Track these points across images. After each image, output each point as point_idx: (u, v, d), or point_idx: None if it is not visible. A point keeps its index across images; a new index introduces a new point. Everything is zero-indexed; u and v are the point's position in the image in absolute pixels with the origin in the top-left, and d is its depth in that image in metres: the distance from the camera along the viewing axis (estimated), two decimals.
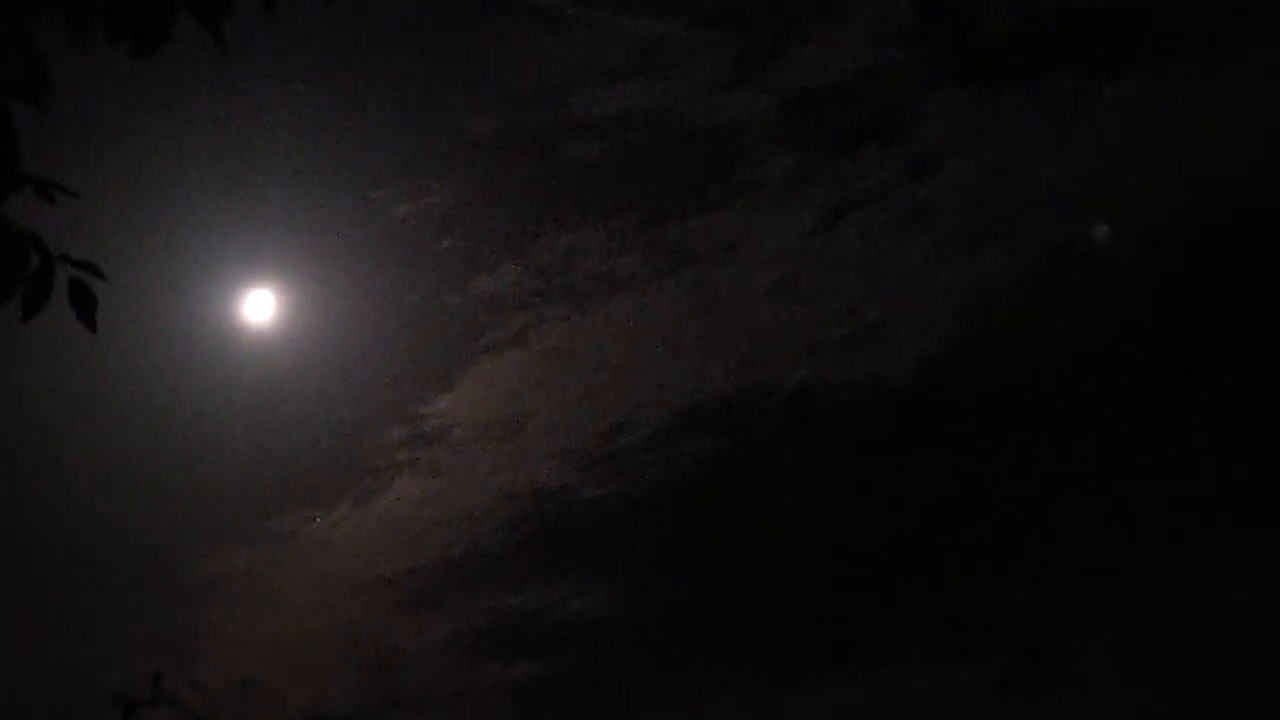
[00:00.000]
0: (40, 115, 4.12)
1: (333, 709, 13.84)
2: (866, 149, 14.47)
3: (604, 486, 14.66)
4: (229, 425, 14.08)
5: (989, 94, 14.32)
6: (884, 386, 14.58)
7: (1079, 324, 14.45)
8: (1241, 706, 13.01)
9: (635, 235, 14.71)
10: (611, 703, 14.20)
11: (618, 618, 14.49)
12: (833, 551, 14.56)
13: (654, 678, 14.33)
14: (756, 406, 14.70)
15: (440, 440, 14.60)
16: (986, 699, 13.88)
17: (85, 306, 4.26)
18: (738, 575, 14.66)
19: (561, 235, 14.71)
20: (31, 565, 13.70)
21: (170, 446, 14.05)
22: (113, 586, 13.73)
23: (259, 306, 13.91)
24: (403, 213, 14.45)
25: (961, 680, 13.93)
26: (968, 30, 14.40)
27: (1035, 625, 14.08)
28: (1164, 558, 13.90)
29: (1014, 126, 14.41)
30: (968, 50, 14.43)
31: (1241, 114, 14.11)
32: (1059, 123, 14.41)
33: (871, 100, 14.43)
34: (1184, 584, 13.77)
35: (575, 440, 14.77)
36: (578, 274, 14.77)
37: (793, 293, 14.90)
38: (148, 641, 13.46)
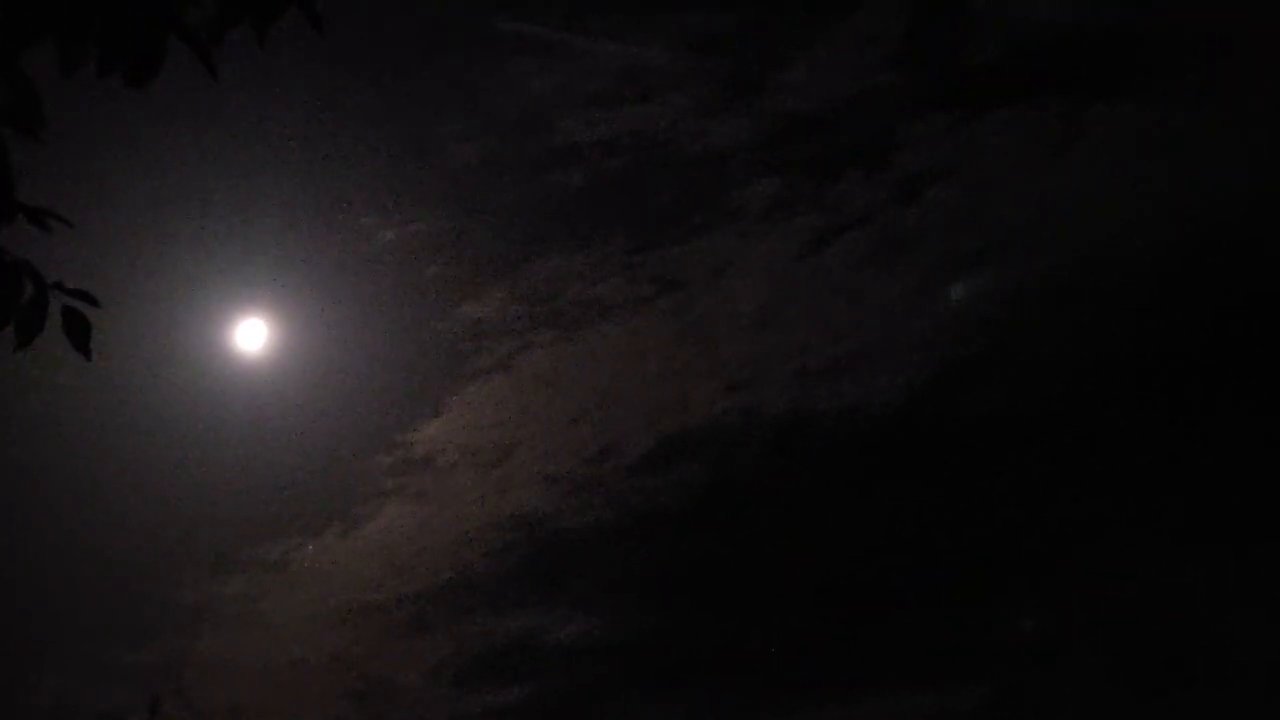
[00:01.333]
0: (32, 144, 4.14)
1: None
2: (851, 174, 14.54)
3: (591, 512, 14.68)
4: (217, 453, 14.08)
5: (975, 118, 14.42)
6: (870, 412, 14.63)
7: (1067, 349, 14.53)
8: None
9: (621, 261, 14.78)
10: None
11: (607, 643, 14.50)
12: (819, 577, 14.58)
13: (643, 703, 14.33)
14: (743, 432, 14.74)
15: (428, 466, 14.61)
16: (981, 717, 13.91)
17: (79, 334, 4.28)
18: (725, 601, 14.68)
19: (548, 261, 14.77)
20: (19, 594, 13.66)
21: (159, 474, 14.04)
22: (101, 614, 13.69)
23: (250, 335, 13.94)
24: (389, 239, 14.50)
25: (948, 706, 13.93)
26: (953, 54, 14.50)
27: (1021, 651, 14.11)
28: (1152, 583, 13.94)
29: (1000, 150, 14.52)
30: (953, 74, 14.54)
31: (1233, 136, 14.22)
32: (1046, 146, 14.51)
33: (856, 125, 14.52)
34: (1174, 609, 13.81)
35: (562, 466, 14.80)
36: (564, 299, 14.81)
37: (778, 318, 14.96)
38: (137, 669, 13.41)
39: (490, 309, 14.69)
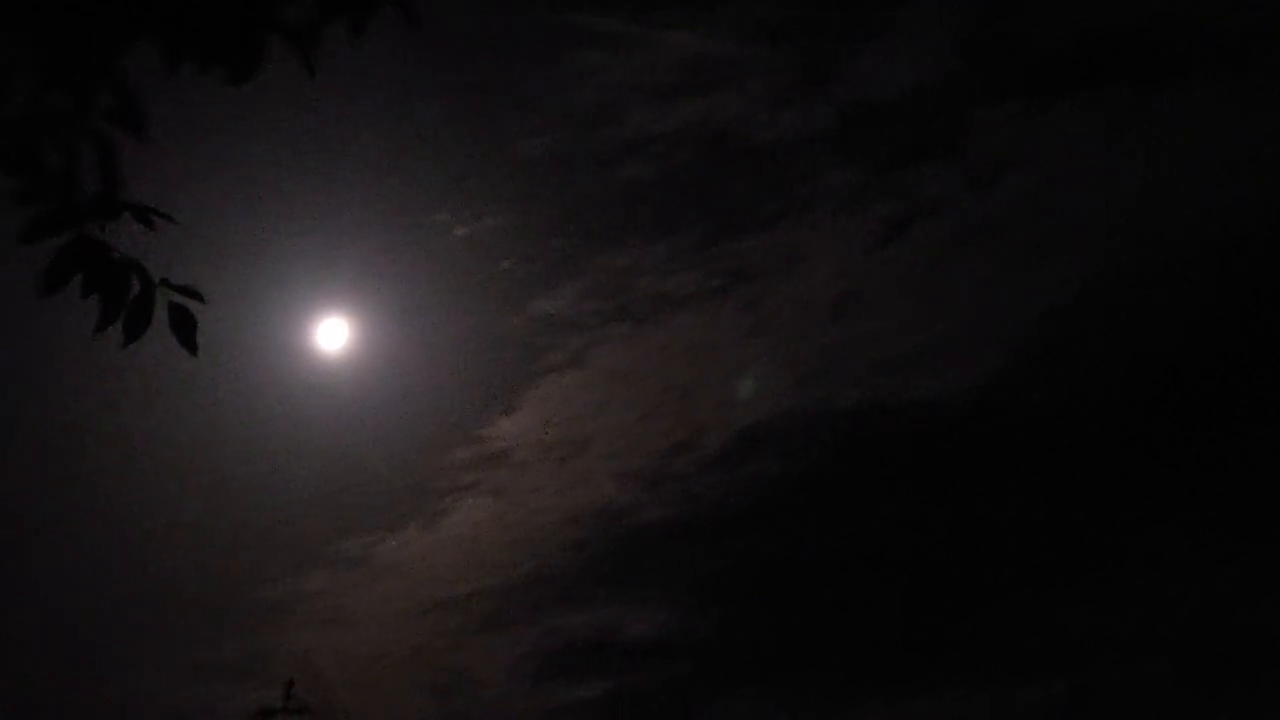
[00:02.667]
0: (136, 143, 4.17)
1: None
2: (924, 163, 14.43)
3: (666, 507, 14.66)
4: (297, 451, 14.19)
5: (1047, 105, 14.26)
6: (944, 405, 14.51)
7: (1142, 340, 14.35)
8: None
9: (693, 253, 14.74)
10: (679, 718, 14.19)
11: (684, 639, 14.47)
12: (892, 572, 14.48)
13: (720, 699, 14.30)
14: (816, 425, 14.66)
15: (503, 462, 14.65)
16: (1048, 716, 13.77)
17: (186, 330, 4.31)
18: (799, 597, 14.61)
19: (619, 255, 14.75)
20: (105, 592, 13.83)
21: (241, 473, 14.17)
22: (185, 611, 13.83)
23: (330, 333, 14.04)
24: (462, 236, 14.55)
25: (1019, 702, 13.80)
26: (1024, 41, 14.35)
27: (1099, 645, 13.95)
28: (1233, 577, 13.74)
29: (1075, 137, 14.35)
30: (1025, 61, 14.38)
31: None
32: (1119, 134, 14.33)
33: (929, 113, 14.40)
34: (1244, 605, 13.62)
35: (636, 461, 14.79)
36: (636, 293, 14.80)
37: (852, 310, 14.86)
38: (220, 665, 13.55)
39: (563, 304, 14.71)
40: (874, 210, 14.59)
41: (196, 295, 4.30)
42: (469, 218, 14.51)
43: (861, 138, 14.50)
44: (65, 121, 4.06)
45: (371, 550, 14.36)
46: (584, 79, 14.63)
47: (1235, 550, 13.73)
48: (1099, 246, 14.57)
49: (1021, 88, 14.32)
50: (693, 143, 14.57)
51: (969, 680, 13.93)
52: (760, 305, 14.90)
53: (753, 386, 14.46)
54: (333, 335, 14.03)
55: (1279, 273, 14.04)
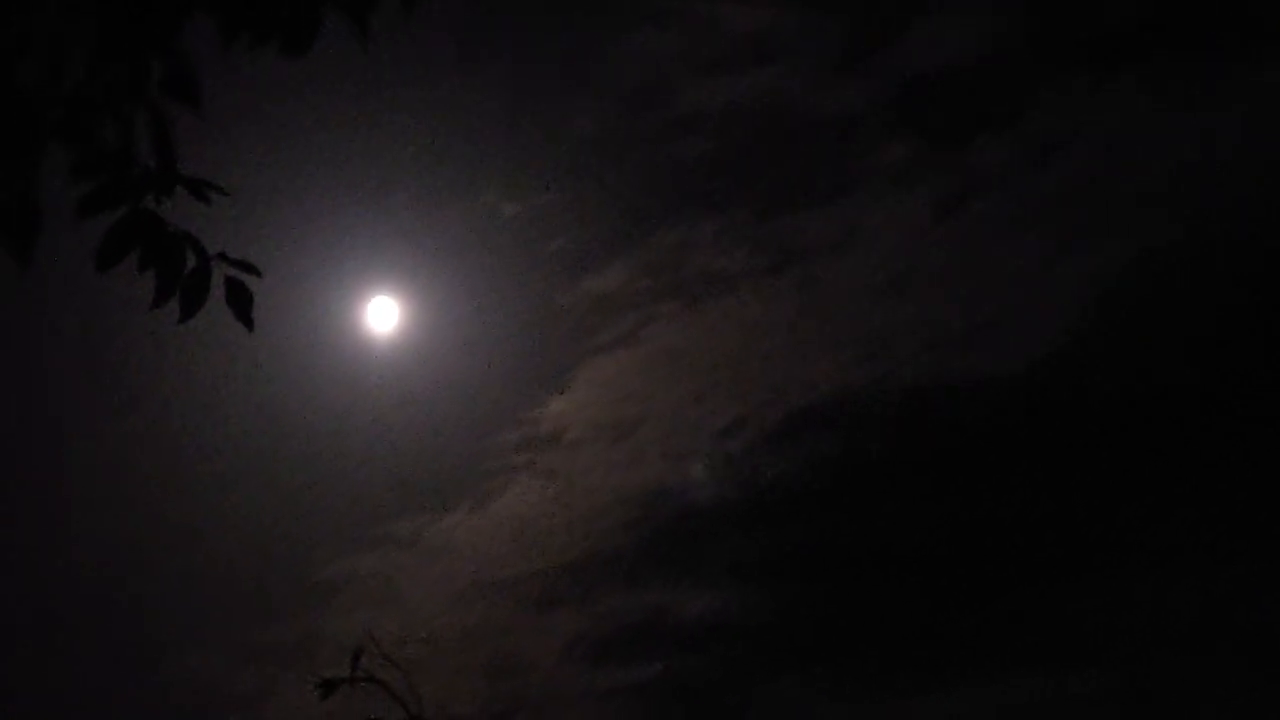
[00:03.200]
0: (191, 116, 4.11)
1: (457, 712, 13.84)
2: (983, 137, 14.23)
3: (719, 488, 14.55)
4: (348, 432, 14.19)
5: (1109, 78, 14.01)
6: (1002, 383, 14.32)
7: (1204, 318, 14.10)
8: None
9: (746, 230, 14.61)
10: (732, 705, 14.09)
11: (737, 621, 14.37)
12: (948, 554, 14.32)
13: (773, 683, 14.19)
14: (872, 404, 14.51)
15: (555, 442, 14.59)
16: (1100, 705, 13.58)
17: (242, 304, 4.25)
18: (854, 577, 14.48)
19: (671, 232, 14.64)
20: (159, 573, 13.88)
21: (293, 455, 14.17)
22: (238, 592, 13.87)
23: (381, 313, 14.00)
24: (512, 214, 14.47)
25: (1072, 689, 13.62)
26: (1089, 11, 14.10)
27: (1151, 631, 13.74)
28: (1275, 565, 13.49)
29: (1135, 111, 14.10)
30: (1086, 33, 14.13)
31: None
32: (1183, 108, 14.07)
33: (988, 86, 14.17)
34: None
35: (689, 441, 14.69)
36: (688, 271, 14.69)
37: (908, 287, 14.70)
38: (273, 645, 13.58)
39: (614, 282, 14.61)
40: (929, 186, 14.42)
41: (253, 270, 4.25)
42: (519, 196, 14.44)
43: (917, 111, 14.32)
44: (121, 95, 4.01)
45: (422, 532, 14.35)
46: (635, 55, 14.53)
47: None
48: (1158, 224, 14.34)
49: (1082, 60, 14.10)
50: (745, 118, 14.43)
51: (1023, 666, 13.77)
52: (814, 283, 14.76)
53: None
54: (383, 315, 14.00)
55: None
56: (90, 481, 13.94)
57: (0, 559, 13.65)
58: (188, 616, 13.86)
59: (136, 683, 13.54)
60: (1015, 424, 14.27)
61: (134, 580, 13.81)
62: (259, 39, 3.91)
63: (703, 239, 14.60)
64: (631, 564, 14.47)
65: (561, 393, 14.42)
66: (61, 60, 3.83)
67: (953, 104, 14.23)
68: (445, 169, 14.20)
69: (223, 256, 4.17)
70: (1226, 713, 13.14)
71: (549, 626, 14.29)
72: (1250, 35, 13.85)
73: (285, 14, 3.95)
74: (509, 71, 14.48)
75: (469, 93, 14.22)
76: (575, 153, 14.64)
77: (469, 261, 14.48)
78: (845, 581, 14.46)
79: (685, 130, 14.45)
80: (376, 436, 14.16)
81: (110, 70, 3.92)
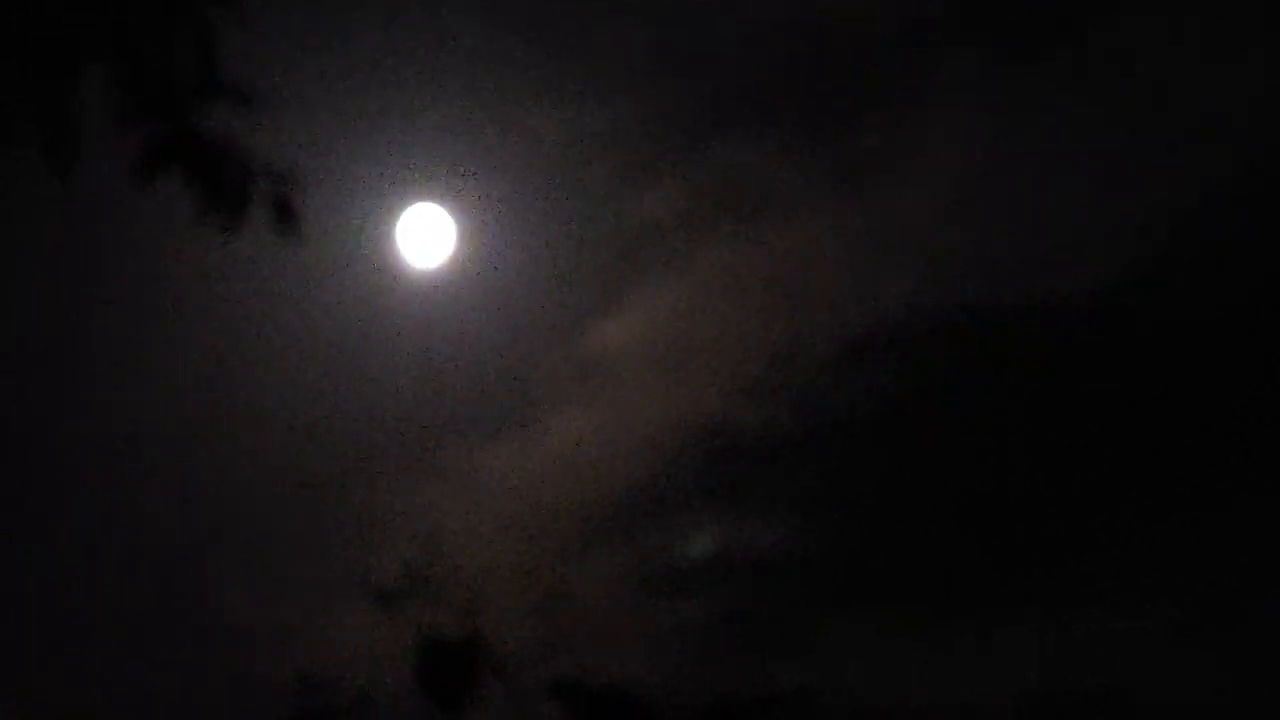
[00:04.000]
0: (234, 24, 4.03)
1: (507, 644, 13.77)
2: (1052, 49, 13.84)
3: (775, 417, 14.36)
4: (393, 360, 14.06)
5: None
6: (1071, 307, 14.02)
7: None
8: None
9: (802, 150, 14.30)
10: (788, 639, 13.98)
11: (793, 555, 14.23)
12: (1014, 486, 14.11)
13: (830, 618, 14.06)
14: (934, 330, 14.26)
15: (604, 369, 14.42)
16: (1171, 639, 13.41)
17: (285, 219, 4.20)
18: (914, 510, 14.29)
19: (723, 153, 14.36)
20: (208, 508, 13.86)
21: (336, 383, 14.07)
22: (285, 525, 13.82)
23: (427, 238, 13.83)
24: (560, 131, 14.21)
25: (1144, 624, 13.44)
26: None
27: (1229, 563, 13.53)
28: None
29: (1214, 20, 13.66)
30: None
31: None
32: (1263, 21, 13.63)
33: None
34: None
35: (744, 368, 14.48)
36: (742, 193, 14.41)
37: (972, 207, 14.38)
38: (321, 578, 13.53)
39: (666, 203, 14.36)
40: (995, 102, 14.07)
41: (297, 182, 4.20)
42: (569, 114, 14.16)
43: (982, 23, 13.92)
44: (162, 2, 3.96)
45: (470, 461, 14.23)
46: None
47: None
48: (1236, 142, 13.94)
49: None
50: (802, 30, 14.06)
51: (1092, 600, 13.59)
52: (874, 204, 14.47)
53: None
54: (430, 240, 13.82)
55: None
56: (132, 417, 13.90)
57: (47, 495, 13.66)
58: (238, 551, 13.84)
59: (190, 617, 13.56)
60: (1088, 350, 14.00)
61: (184, 517, 13.79)
62: None
63: (758, 158, 14.32)
64: (685, 494, 14.34)
65: (610, 319, 14.25)
66: None
67: (1019, 16, 13.85)
68: (495, 85, 13.93)
69: (265, 170, 4.14)
70: None
71: (600, 558, 14.19)
72: None
73: None
74: None
75: (519, 4, 13.92)
76: (627, 69, 14.34)
77: (518, 182, 14.25)
78: (905, 515, 14.28)
79: (741, 45, 14.11)
80: (422, 363, 14.03)
81: None
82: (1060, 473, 13.95)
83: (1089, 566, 13.69)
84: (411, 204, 13.70)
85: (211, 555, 13.73)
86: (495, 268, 14.17)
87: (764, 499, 14.44)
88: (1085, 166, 14.21)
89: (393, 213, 13.69)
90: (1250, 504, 13.51)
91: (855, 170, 14.23)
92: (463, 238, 14.03)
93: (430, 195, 13.82)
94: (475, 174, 14.02)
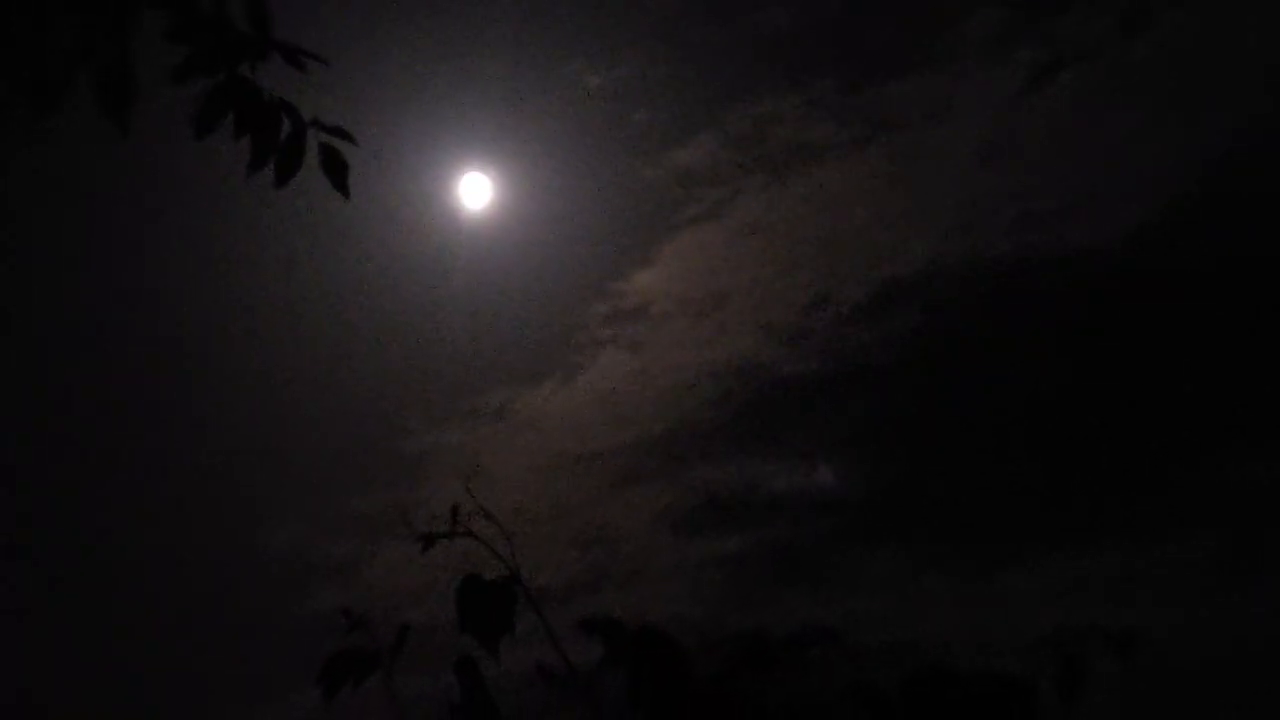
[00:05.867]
0: None
1: (545, 582, 14.00)
2: (1077, 3, 13.82)
3: (807, 362, 14.47)
4: (436, 306, 14.22)
5: None
6: (1095, 257, 14.05)
7: None
8: None
9: (833, 102, 14.33)
10: (822, 577, 14.14)
11: (825, 494, 14.37)
12: (1042, 427, 14.18)
13: (862, 556, 14.21)
14: (961, 279, 14.31)
15: (641, 316, 14.55)
16: (1209, 576, 13.46)
17: (338, 172, 4.23)
18: (943, 451, 14.40)
19: (757, 104, 14.40)
20: (253, 445, 14.08)
21: (381, 327, 14.25)
22: (329, 464, 14.05)
23: (472, 187, 13.95)
24: (596, 84, 14.28)
25: (1180, 556, 13.51)
26: None
27: (1255, 498, 13.56)
28: None
29: None
30: None
31: None
32: None
33: None
34: None
35: (776, 315, 14.58)
36: (775, 144, 14.46)
37: (999, 159, 14.40)
38: (364, 516, 13.76)
39: (699, 155, 14.44)
40: (1022, 55, 14.05)
41: (349, 137, 4.22)
42: (602, 67, 14.24)
43: None
44: None
45: (509, 404, 14.41)
46: None
47: None
48: (1262, 94, 13.88)
49: None
50: None
51: (1125, 535, 13.67)
52: (903, 155, 14.50)
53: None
54: (474, 189, 13.95)
55: None
56: (177, 356, 14.11)
57: (95, 435, 13.90)
58: (283, 487, 14.08)
59: (237, 552, 13.82)
60: (1109, 298, 14.02)
61: (231, 453, 14.03)
62: None
63: (789, 111, 14.36)
64: (719, 437, 14.49)
65: (646, 267, 14.35)
66: None
67: None
68: (528, 38, 14.01)
69: (317, 123, 4.14)
70: None
71: (637, 499, 14.38)
72: None
73: None
74: None
75: None
76: (659, 21, 14.39)
77: (555, 134, 14.35)
78: (934, 455, 14.39)
79: None
80: (462, 310, 14.19)
81: None
82: (1085, 414, 14.03)
83: (1113, 506, 13.78)
84: (456, 156, 13.84)
85: (263, 491, 13.99)
86: (535, 217, 14.31)
87: (797, 440, 14.59)
88: (1107, 119, 14.20)
89: (438, 165, 13.83)
90: (1276, 445, 13.55)
91: (882, 124, 14.28)
92: (508, 190, 14.16)
93: (478, 149, 13.95)
94: (517, 128, 14.14)
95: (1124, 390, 14.00)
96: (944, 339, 14.32)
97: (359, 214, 12.91)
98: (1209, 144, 13.94)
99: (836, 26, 14.43)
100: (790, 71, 14.44)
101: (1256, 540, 13.33)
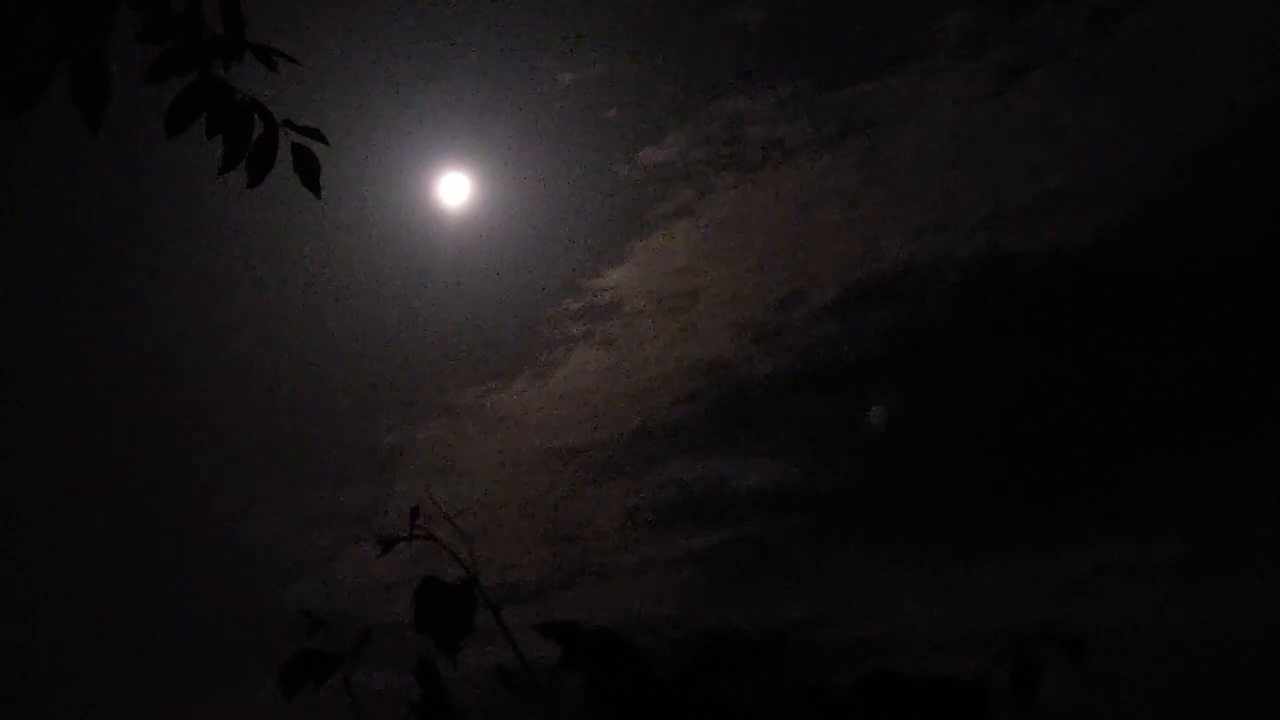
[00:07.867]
0: None
1: (518, 579, 14.06)
2: (1045, 4, 13.91)
3: (779, 359, 14.54)
4: (410, 303, 14.24)
5: None
6: (1066, 255, 14.16)
7: (1273, 186, 13.82)
8: None
9: (805, 101, 14.39)
10: (793, 573, 14.22)
11: (797, 491, 14.44)
12: (1013, 426, 14.28)
13: (834, 554, 14.29)
14: (933, 277, 14.40)
15: (614, 313, 14.59)
16: (1177, 574, 13.58)
17: (309, 172, 4.26)
18: (915, 449, 14.48)
19: (730, 102, 14.46)
20: (229, 440, 14.07)
21: (355, 323, 14.25)
22: (304, 459, 14.06)
23: (448, 186, 13.97)
24: (569, 82, 14.32)
25: (1150, 556, 13.62)
26: None
27: (1228, 499, 13.68)
28: None
29: None
30: None
31: None
32: None
33: None
34: None
35: (748, 312, 14.65)
36: (746, 142, 14.52)
37: (969, 157, 14.49)
38: (339, 511, 13.79)
39: (672, 153, 14.48)
40: (993, 54, 14.13)
41: (320, 137, 4.25)
42: (575, 64, 14.28)
43: None
44: None
45: (483, 400, 14.45)
46: None
47: None
48: (1229, 92, 14.00)
49: None
50: None
51: (1096, 534, 13.78)
52: (875, 153, 14.57)
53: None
54: (450, 188, 13.97)
55: None
56: (157, 351, 14.09)
57: (73, 430, 13.87)
58: (258, 483, 14.09)
59: (213, 547, 13.82)
60: (1080, 294, 14.14)
61: (207, 448, 14.03)
62: None
63: (761, 109, 14.42)
64: (692, 434, 14.55)
65: (618, 264, 14.39)
66: None
67: None
68: (500, 36, 14.03)
69: (289, 123, 4.17)
70: None
71: (610, 495, 14.42)
72: None
73: None
74: None
75: None
76: (632, 19, 14.44)
77: (528, 132, 14.39)
78: (906, 453, 14.48)
79: None
80: (436, 307, 14.21)
81: None
82: (1056, 412, 14.14)
83: (1083, 503, 13.90)
84: (427, 155, 13.85)
85: (235, 487, 13.99)
86: (509, 215, 14.33)
87: (769, 437, 14.65)
88: (1077, 117, 14.30)
89: (410, 163, 13.84)
90: (1250, 444, 13.68)
91: (854, 122, 14.35)
92: (482, 188, 14.18)
93: (445, 147, 13.96)
94: (489, 126, 14.15)
95: (1094, 388, 14.12)
96: (915, 337, 14.42)
97: (334, 212, 12.92)
98: (1177, 143, 14.06)
99: (808, 26, 14.51)
100: (762, 70, 14.52)
101: (1225, 538, 13.46)
